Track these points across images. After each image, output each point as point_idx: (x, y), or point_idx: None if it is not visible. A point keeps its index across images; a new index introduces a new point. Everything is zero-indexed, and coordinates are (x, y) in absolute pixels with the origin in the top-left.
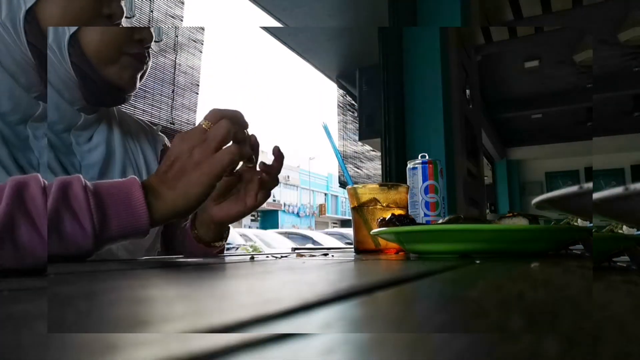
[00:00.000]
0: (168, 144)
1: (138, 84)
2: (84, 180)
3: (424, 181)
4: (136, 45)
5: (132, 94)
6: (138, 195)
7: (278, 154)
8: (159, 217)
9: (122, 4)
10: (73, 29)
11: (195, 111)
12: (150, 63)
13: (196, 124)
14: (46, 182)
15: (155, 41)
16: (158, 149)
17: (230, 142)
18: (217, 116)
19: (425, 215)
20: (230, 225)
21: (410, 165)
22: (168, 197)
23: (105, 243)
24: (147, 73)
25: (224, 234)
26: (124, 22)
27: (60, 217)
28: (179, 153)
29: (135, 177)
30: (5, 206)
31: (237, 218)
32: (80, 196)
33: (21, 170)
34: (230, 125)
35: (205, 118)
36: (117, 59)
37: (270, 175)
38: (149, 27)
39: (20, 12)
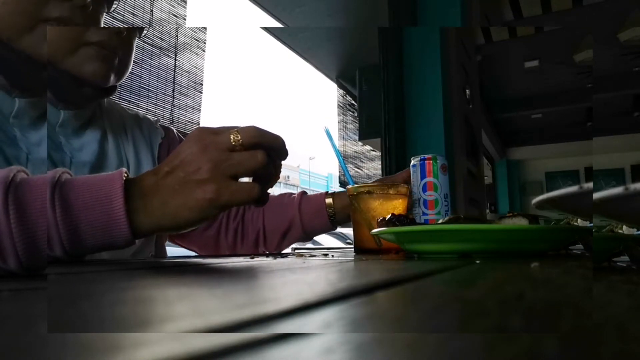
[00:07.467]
0: (176, 135)
1: (112, 78)
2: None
3: (422, 178)
4: (98, 32)
5: (109, 87)
6: (118, 203)
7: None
8: (139, 230)
9: None
10: None
11: (199, 110)
12: (126, 54)
13: (200, 124)
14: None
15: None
16: (155, 143)
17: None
18: (255, 139)
19: (424, 214)
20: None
21: (412, 162)
22: (155, 210)
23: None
24: (128, 65)
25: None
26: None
27: None
28: (188, 158)
29: (121, 174)
30: None
31: None
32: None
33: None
34: (266, 161)
35: (239, 131)
36: (74, 50)
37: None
38: None
39: None
